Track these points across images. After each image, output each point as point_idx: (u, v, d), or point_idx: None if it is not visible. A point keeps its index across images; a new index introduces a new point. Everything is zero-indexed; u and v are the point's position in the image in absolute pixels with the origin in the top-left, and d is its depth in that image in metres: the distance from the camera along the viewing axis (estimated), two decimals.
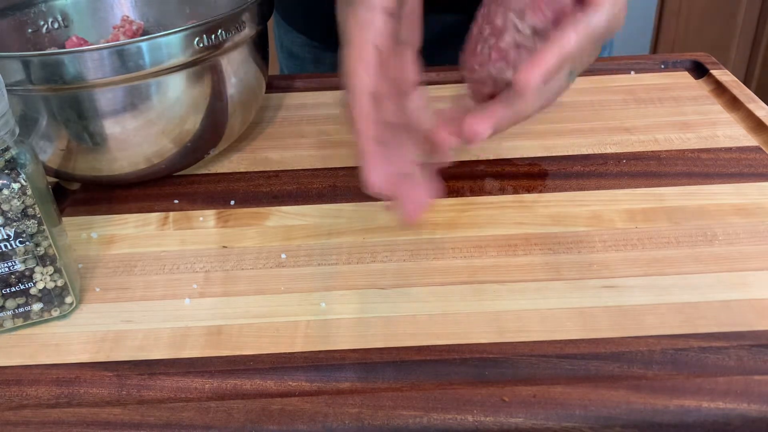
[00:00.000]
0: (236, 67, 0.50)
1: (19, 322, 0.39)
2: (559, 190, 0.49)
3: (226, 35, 0.47)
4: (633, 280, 0.41)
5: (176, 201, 0.51)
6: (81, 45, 0.56)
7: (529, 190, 0.49)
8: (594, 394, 0.34)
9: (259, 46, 0.53)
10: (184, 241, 0.46)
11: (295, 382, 0.36)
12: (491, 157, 0.53)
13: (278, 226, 0.47)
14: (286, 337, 0.38)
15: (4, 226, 0.36)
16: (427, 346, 0.37)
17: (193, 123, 0.49)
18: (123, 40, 0.54)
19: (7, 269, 0.37)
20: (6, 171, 0.36)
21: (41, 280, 0.38)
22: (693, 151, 0.53)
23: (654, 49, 1.80)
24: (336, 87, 0.65)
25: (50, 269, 0.38)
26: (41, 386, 0.36)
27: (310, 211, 0.49)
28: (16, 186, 0.36)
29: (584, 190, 0.49)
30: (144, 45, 0.43)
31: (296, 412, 0.33)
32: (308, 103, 0.63)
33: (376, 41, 0.36)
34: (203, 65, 0.47)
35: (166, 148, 0.49)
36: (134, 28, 0.58)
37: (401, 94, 0.39)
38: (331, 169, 0.53)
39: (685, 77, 0.64)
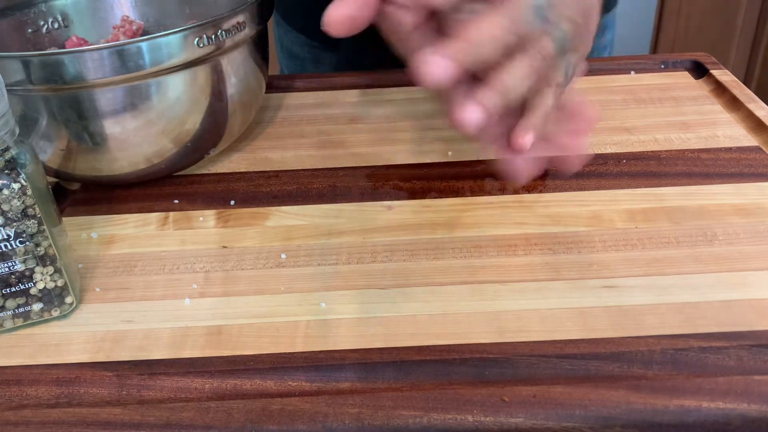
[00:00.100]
0: (236, 67, 0.50)
1: (19, 322, 0.39)
2: (559, 190, 0.49)
3: (226, 35, 0.46)
4: (633, 280, 0.41)
5: (176, 201, 0.51)
6: (81, 45, 0.56)
7: (529, 190, 0.49)
8: (594, 394, 0.34)
9: (259, 46, 0.53)
10: (184, 241, 0.46)
11: (295, 382, 0.36)
12: (491, 157, 0.53)
13: (278, 226, 0.47)
14: (286, 337, 0.38)
15: (4, 226, 0.36)
16: (427, 346, 0.37)
17: (193, 123, 0.49)
18: (123, 40, 0.54)
19: (7, 269, 0.37)
20: (6, 171, 0.36)
21: (41, 280, 0.38)
22: (693, 151, 0.53)
23: (654, 49, 1.80)
24: (336, 87, 0.66)
25: (50, 269, 0.38)
26: (41, 386, 0.36)
27: (310, 211, 0.49)
28: (16, 186, 0.36)
29: (584, 190, 0.49)
30: (144, 45, 0.43)
31: (296, 412, 0.33)
32: (308, 103, 0.63)
33: None
34: (203, 65, 0.47)
35: (166, 148, 0.49)
36: (134, 28, 0.58)
37: None
38: (331, 169, 0.53)
39: (685, 77, 0.64)
